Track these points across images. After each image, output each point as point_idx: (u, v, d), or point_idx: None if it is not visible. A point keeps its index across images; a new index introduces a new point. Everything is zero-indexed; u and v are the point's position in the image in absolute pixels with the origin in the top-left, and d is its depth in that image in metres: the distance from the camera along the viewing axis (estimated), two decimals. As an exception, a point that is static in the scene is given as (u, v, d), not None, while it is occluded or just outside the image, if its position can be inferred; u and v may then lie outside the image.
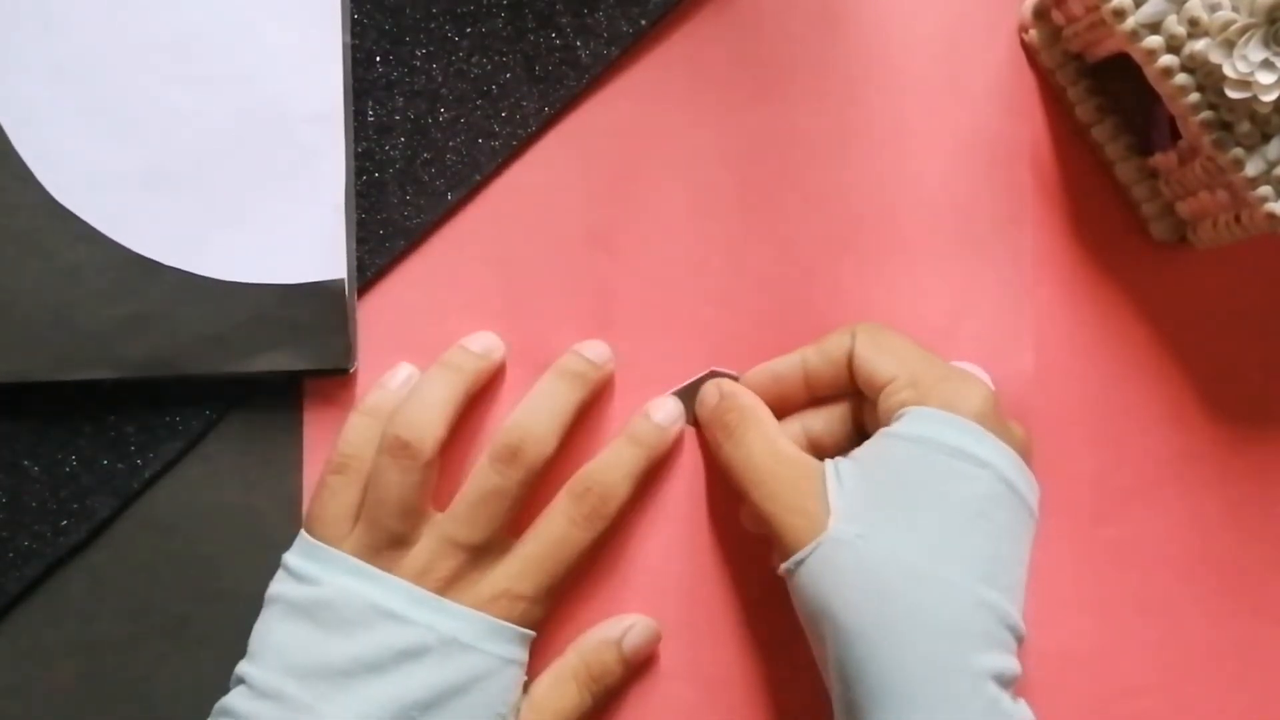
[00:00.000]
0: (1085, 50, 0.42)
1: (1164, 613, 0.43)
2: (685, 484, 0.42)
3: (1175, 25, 0.36)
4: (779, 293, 0.43)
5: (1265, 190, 0.37)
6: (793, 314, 0.43)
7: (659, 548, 0.42)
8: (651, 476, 0.42)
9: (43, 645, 0.41)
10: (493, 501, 0.38)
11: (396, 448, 0.38)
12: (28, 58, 0.40)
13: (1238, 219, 0.39)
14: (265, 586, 0.39)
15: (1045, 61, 0.43)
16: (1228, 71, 0.35)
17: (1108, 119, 0.43)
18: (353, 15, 0.42)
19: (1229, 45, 0.35)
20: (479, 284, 0.43)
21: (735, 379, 0.42)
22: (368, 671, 0.36)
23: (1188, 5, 0.36)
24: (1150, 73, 0.37)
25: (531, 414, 0.39)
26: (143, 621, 0.41)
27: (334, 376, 0.42)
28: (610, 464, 0.40)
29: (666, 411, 0.42)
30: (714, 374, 0.42)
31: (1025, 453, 0.37)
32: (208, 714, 0.37)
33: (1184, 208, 0.42)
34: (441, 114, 0.42)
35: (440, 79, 0.42)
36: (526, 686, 0.39)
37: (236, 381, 0.41)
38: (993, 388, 0.39)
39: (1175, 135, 0.41)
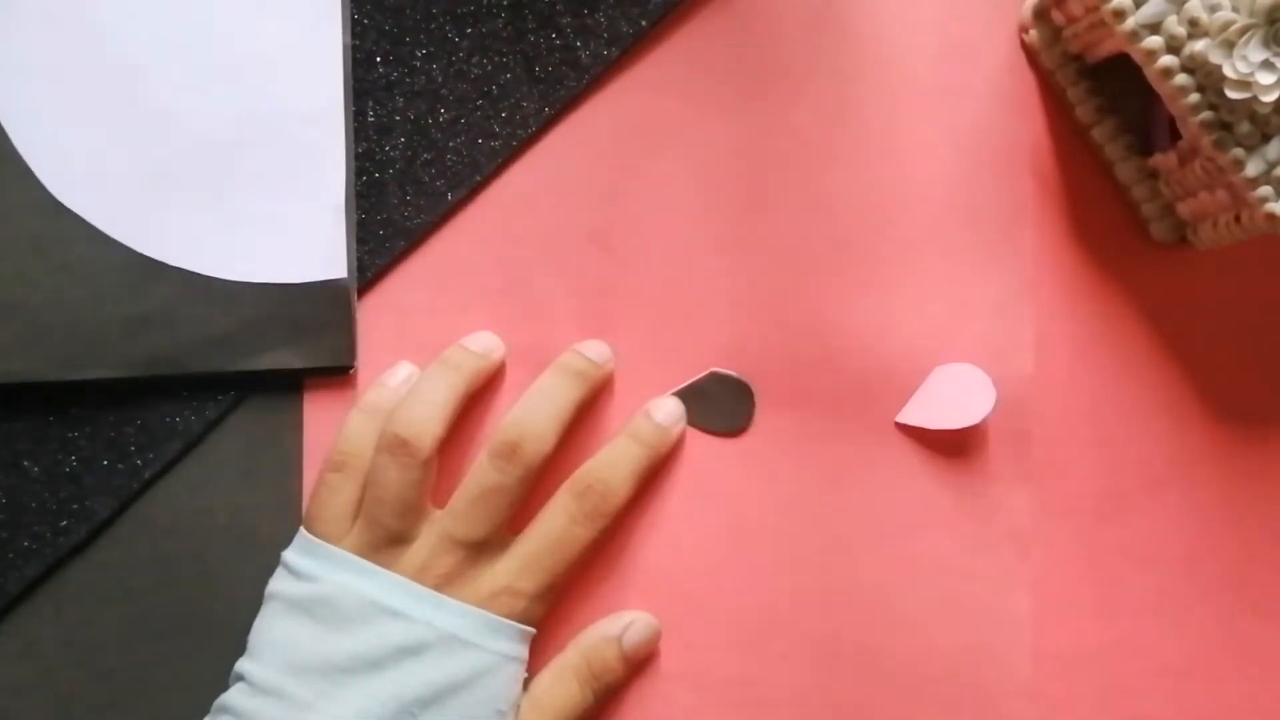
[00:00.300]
0: (1085, 51, 0.42)
1: (1165, 612, 0.43)
2: (685, 483, 0.42)
3: (1175, 26, 0.36)
4: (779, 292, 0.43)
5: (1265, 190, 0.37)
6: (793, 314, 0.43)
7: (659, 547, 0.42)
8: (652, 476, 0.42)
9: (43, 645, 0.41)
10: (491, 498, 0.38)
11: (395, 445, 0.38)
12: (29, 58, 0.40)
13: (1238, 219, 0.39)
14: (265, 583, 0.39)
15: (1045, 62, 0.43)
16: (1228, 72, 0.35)
17: (1108, 119, 0.43)
18: (353, 16, 0.42)
19: (1229, 46, 0.35)
20: (479, 284, 0.43)
21: (736, 379, 0.42)
22: (367, 668, 0.36)
23: (1188, 6, 0.36)
24: (1150, 73, 0.37)
25: (531, 411, 0.39)
26: (142, 621, 0.41)
27: (334, 376, 0.42)
28: (612, 462, 0.40)
29: (668, 411, 0.42)
30: (714, 374, 0.42)
31: None
32: (207, 712, 0.38)
33: (1184, 208, 0.42)
34: (442, 114, 0.42)
35: (440, 79, 0.42)
36: (526, 684, 0.39)
37: (236, 381, 0.41)
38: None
39: (1175, 135, 0.41)
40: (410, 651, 0.37)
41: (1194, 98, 0.36)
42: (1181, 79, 0.36)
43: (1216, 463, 0.44)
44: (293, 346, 0.41)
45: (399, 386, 0.41)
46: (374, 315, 0.42)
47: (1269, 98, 0.35)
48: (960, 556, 0.42)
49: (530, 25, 0.43)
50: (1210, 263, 0.44)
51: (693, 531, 0.42)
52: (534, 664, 0.40)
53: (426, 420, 0.38)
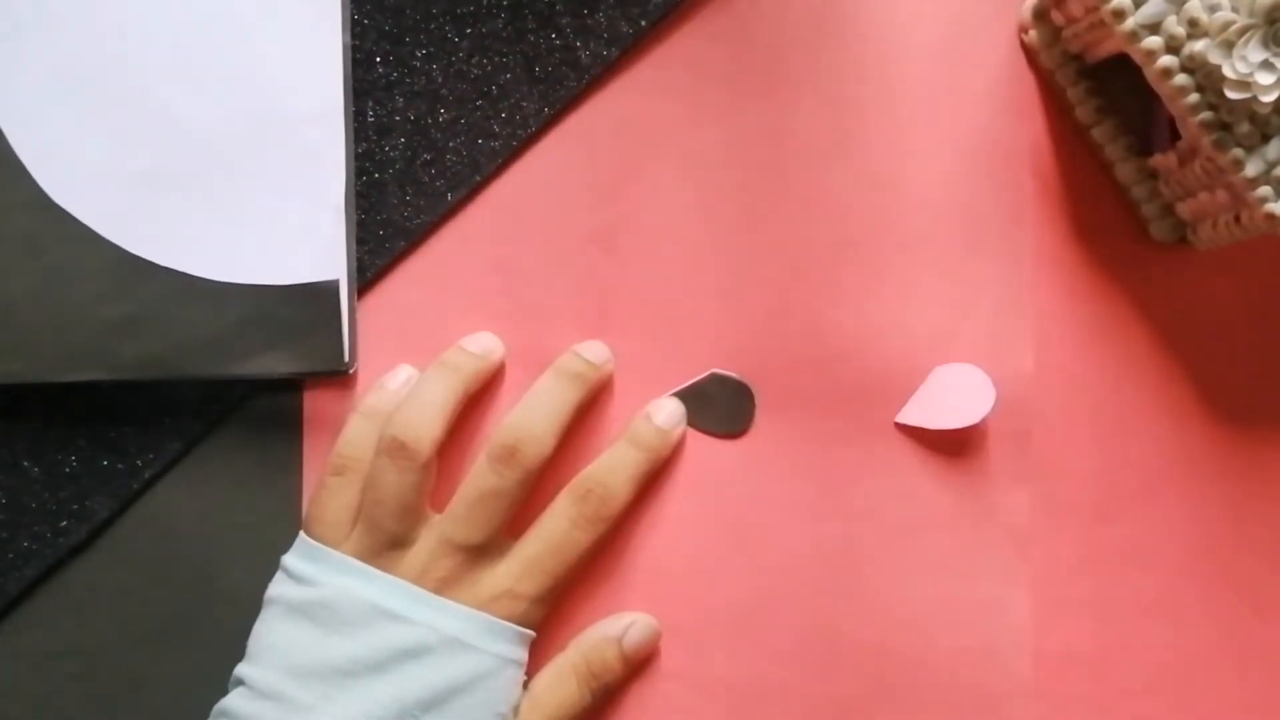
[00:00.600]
0: (1085, 51, 0.42)
1: (1165, 612, 0.43)
2: (685, 484, 0.42)
3: (1175, 26, 0.36)
4: (780, 293, 0.43)
5: (1265, 190, 0.37)
6: (794, 314, 0.43)
7: (659, 548, 0.42)
8: (652, 478, 0.42)
9: (43, 645, 0.41)
10: (490, 501, 0.38)
11: (394, 449, 0.38)
12: (26, 57, 0.40)
13: (1238, 219, 0.39)
14: (264, 587, 0.39)
15: (1045, 62, 0.43)
16: (1227, 72, 0.35)
17: (1108, 119, 0.43)
18: (353, 16, 0.42)
19: (1228, 46, 0.35)
20: (479, 284, 0.43)
21: (737, 380, 0.42)
22: (368, 671, 0.36)
23: (1187, 6, 0.36)
24: (1150, 73, 0.37)
25: (529, 414, 0.39)
26: (142, 622, 0.41)
27: (334, 377, 0.42)
28: (612, 466, 0.40)
29: (668, 413, 0.42)
30: (715, 375, 0.42)
31: None
32: (207, 715, 0.38)
33: (1184, 208, 0.42)
34: (441, 114, 0.42)
35: (440, 80, 0.42)
36: (526, 686, 0.39)
37: (236, 382, 0.41)
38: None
39: (1175, 135, 0.41)
40: (411, 655, 0.37)
41: (1194, 98, 0.36)
42: (1181, 79, 0.36)
43: (1216, 463, 0.44)
44: (285, 350, 0.41)
45: (399, 389, 0.41)
46: (374, 315, 0.42)
47: (1269, 98, 0.35)
48: (960, 556, 0.42)
49: (530, 25, 0.43)
50: (1210, 263, 0.44)
51: (693, 532, 0.42)
52: (533, 666, 0.40)
53: (425, 423, 0.38)
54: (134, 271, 0.40)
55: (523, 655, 0.39)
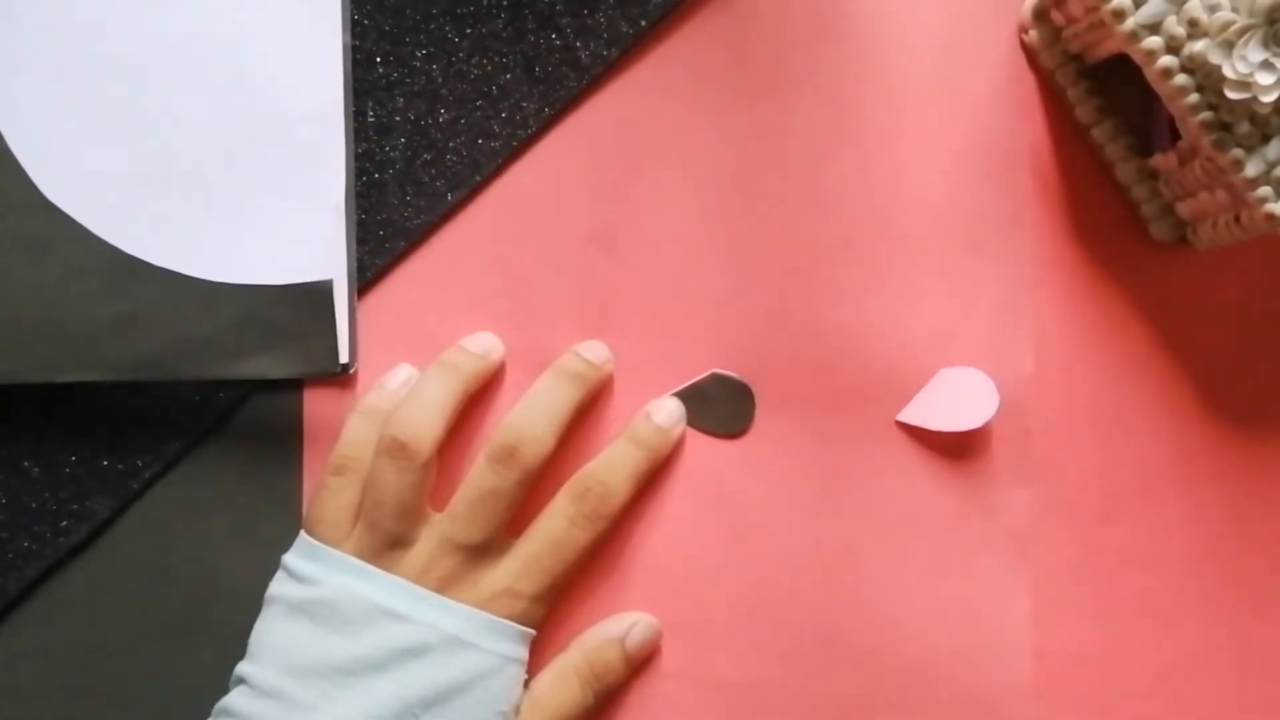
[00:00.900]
0: (1085, 51, 0.42)
1: (1165, 613, 0.43)
2: (685, 484, 0.42)
3: (1175, 26, 0.36)
4: (780, 293, 0.43)
5: (1265, 191, 0.37)
6: (794, 314, 0.43)
7: (659, 547, 0.42)
8: (651, 478, 0.42)
9: (43, 645, 0.41)
10: (490, 501, 0.38)
11: (394, 449, 0.38)
12: (25, 56, 0.40)
13: (1238, 219, 0.39)
14: (264, 587, 0.39)
15: (1045, 62, 0.43)
16: (1227, 72, 0.35)
17: (1108, 119, 0.43)
18: (353, 16, 0.42)
19: (1229, 46, 0.35)
20: (479, 284, 0.43)
21: (737, 380, 0.42)
22: (370, 670, 0.36)
23: (1187, 6, 0.36)
24: (1150, 73, 0.37)
25: (528, 414, 0.39)
26: (142, 622, 0.41)
27: (332, 377, 0.42)
28: (611, 465, 0.40)
29: (668, 413, 0.42)
30: (715, 375, 0.42)
31: None
32: (208, 714, 0.38)
33: (1184, 208, 0.42)
34: (442, 115, 0.42)
35: (440, 80, 0.42)
36: (527, 684, 0.39)
37: (236, 382, 0.41)
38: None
39: (1175, 135, 0.41)
40: (412, 653, 0.37)
41: (1194, 98, 0.36)
42: (1181, 79, 0.36)
43: (1215, 462, 0.44)
44: (279, 351, 0.41)
45: (399, 389, 0.41)
46: (374, 315, 0.42)
47: (1269, 98, 0.35)
48: (961, 557, 0.42)
49: (530, 25, 0.43)
50: (1210, 263, 0.44)
51: (693, 531, 0.42)
52: (534, 665, 0.40)
53: (425, 423, 0.38)
54: (131, 272, 0.40)
55: (523, 654, 0.39)
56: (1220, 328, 0.44)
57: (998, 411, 0.41)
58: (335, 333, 0.41)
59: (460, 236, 0.43)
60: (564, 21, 0.42)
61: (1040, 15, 0.42)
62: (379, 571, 0.38)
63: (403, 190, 0.42)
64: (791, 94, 0.43)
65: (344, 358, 0.41)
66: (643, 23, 0.42)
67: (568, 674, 0.40)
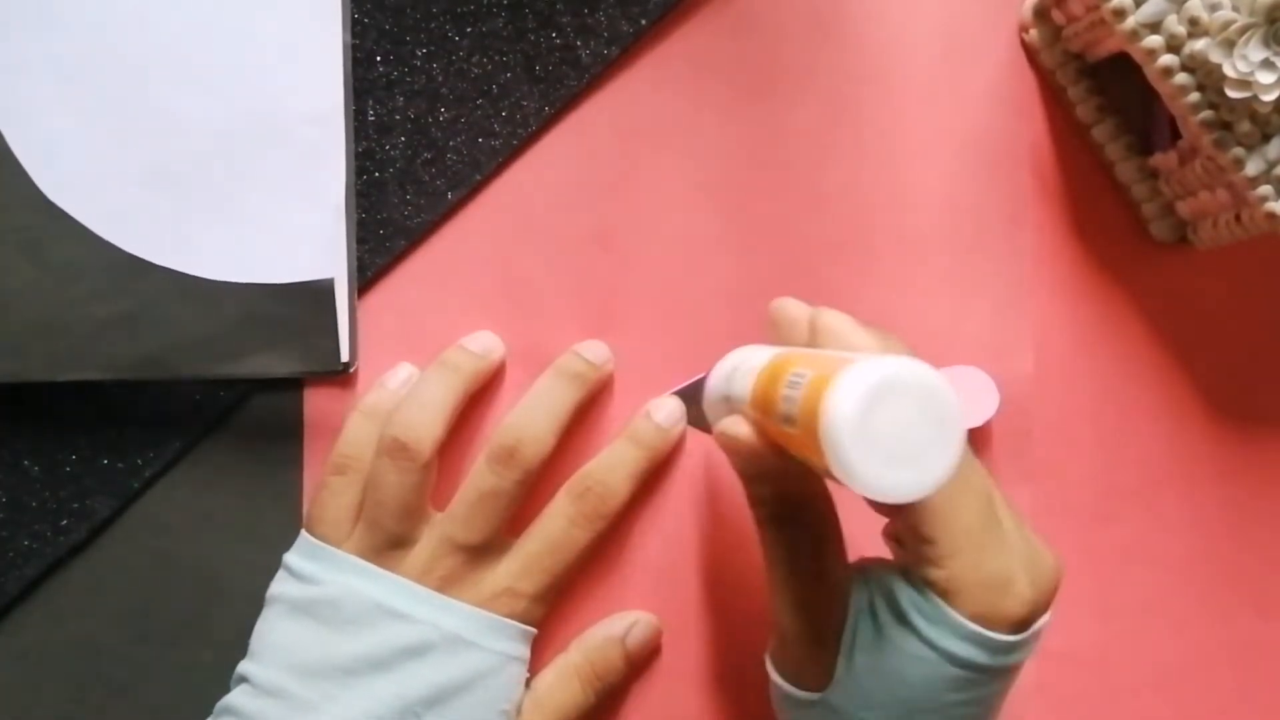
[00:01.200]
0: (1085, 50, 0.42)
1: (1165, 612, 0.43)
2: (685, 483, 0.42)
3: (1175, 25, 0.36)
4: (780, 292, 0.42)
5: (1265, 190, 0.37)
6: (793, 314, 0.43)
7: (659, 547, 0.42)
8: (652, 476, 0.42)
9: (43, 645, 0.41)
10: (490, 502, 0.38)
11: (394, 449, 0.38)
12: (25, 56, 0.40)
13: (1238, 219, 0.39)
14: (265, 586, 0.39)
15: (1045, 61, 0.43)
16: (1228, 71, 0.35)
17: (1108, 119, 0.43)
18: (353, 15, 0.42)
19: (1229, 45, 0.35)
20: (479, 284, 0.43)
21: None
22: (371, 669, 0.36)
23: (1188, 5, 0.36)
24: (1150, 73, 0.37)
25: (528, 414, 0.39)
26: (143, 621, 0.41)
27: (333, 376, 0.42)
28: (611, 464, 0.40)
29: (668, 412, 0.41)
30: (714, 374, 0.42)
31: (1055, 587, 0.34)
32: (208, 714, 0.37)
33: (1184, 208, 0.42)
34: (442, 113, 0.42)
35: (441, 78, 0.42)
36: (528, 683, 0.39)
37: (236, 382, 0.41)
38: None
39: (1175, 135, 0.41)
40: (414, 652, 0.37)
41: (1194, 97, 0.36)
42: (1181, 78, 0.36)
43: (1215, 462, 0.44)
44: (280, 350, 0.41)
45: (399, 388, 0.41)
46: (374, 315, 0.42)
47: (1269, 97, 0.35)
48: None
49: (530, 25, 0.43)
50: (1210, 263, 0.44)
51: (693, 531, 0.42)
52: (535, 664, 0.40)
53: (425, 423, 0.38)
54: (132, 271, 0.40)
55: (525, 653, 0.39)
56: (1220, 328, 0.44)
57: (998, 411, 0.41)
58: (336, 331, 0.41)
59: (460, 236, 0.43)
60: (564, 20, 0.42)
61: (1040, 14, 0.42)
62: (381, 571, 0.38)
63: (403, 189, 0.42)
64: (791, 93, 0.43)
65: (344, 357, 0.41)
66: (643, 21, 0.42)
67: (568, 673, 0.40)
